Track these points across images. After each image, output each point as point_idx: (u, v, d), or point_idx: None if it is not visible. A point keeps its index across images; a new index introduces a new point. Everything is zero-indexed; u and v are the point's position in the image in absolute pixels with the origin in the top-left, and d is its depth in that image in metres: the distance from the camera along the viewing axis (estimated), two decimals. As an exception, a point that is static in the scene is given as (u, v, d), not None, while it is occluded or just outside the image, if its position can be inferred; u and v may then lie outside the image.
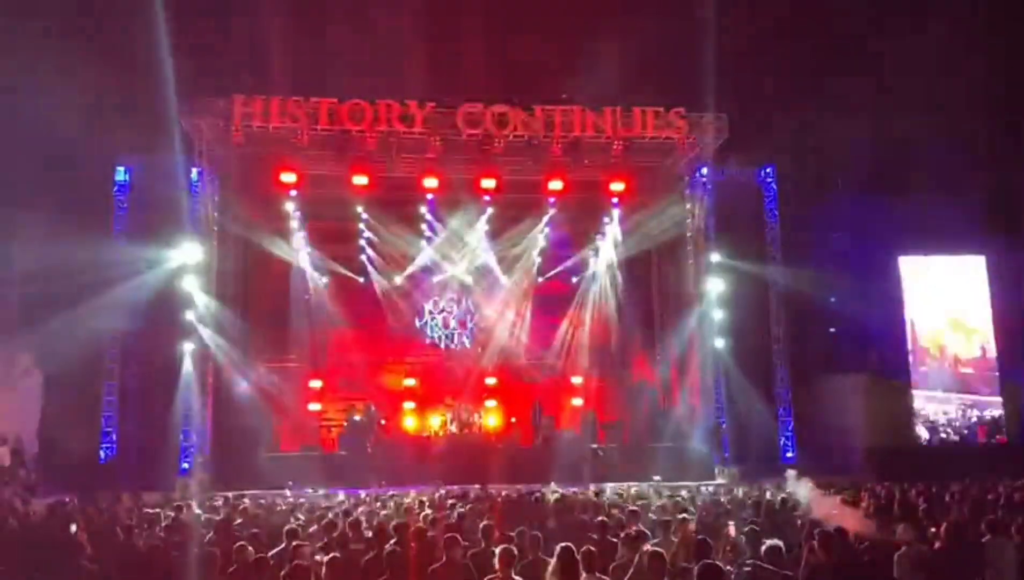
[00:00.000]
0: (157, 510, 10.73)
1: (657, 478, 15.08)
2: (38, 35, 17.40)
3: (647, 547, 6.98)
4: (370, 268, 22.24)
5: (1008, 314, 20.74)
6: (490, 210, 20.95)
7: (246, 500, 12.38)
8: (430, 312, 23.31)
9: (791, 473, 15.45)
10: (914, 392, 20.37)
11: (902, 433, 20.01)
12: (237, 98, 17.84)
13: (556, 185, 19.71)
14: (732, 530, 7.94)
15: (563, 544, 5.98)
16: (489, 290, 22.92)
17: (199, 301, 18.25)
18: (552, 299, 23.31)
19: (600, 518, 8.63)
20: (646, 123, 18.73)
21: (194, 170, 18.65)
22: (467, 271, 22.75)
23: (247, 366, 20.57)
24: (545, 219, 21.57)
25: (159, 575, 6.98)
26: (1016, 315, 20.79)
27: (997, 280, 20.88)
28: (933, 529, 7.59)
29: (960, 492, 10.74)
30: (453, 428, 20.62)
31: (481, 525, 8.12)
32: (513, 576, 6.12)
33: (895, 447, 19.21)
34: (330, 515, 9.42)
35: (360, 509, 10.75)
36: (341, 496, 12.99)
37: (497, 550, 6.23)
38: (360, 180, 18.93)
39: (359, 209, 20.62)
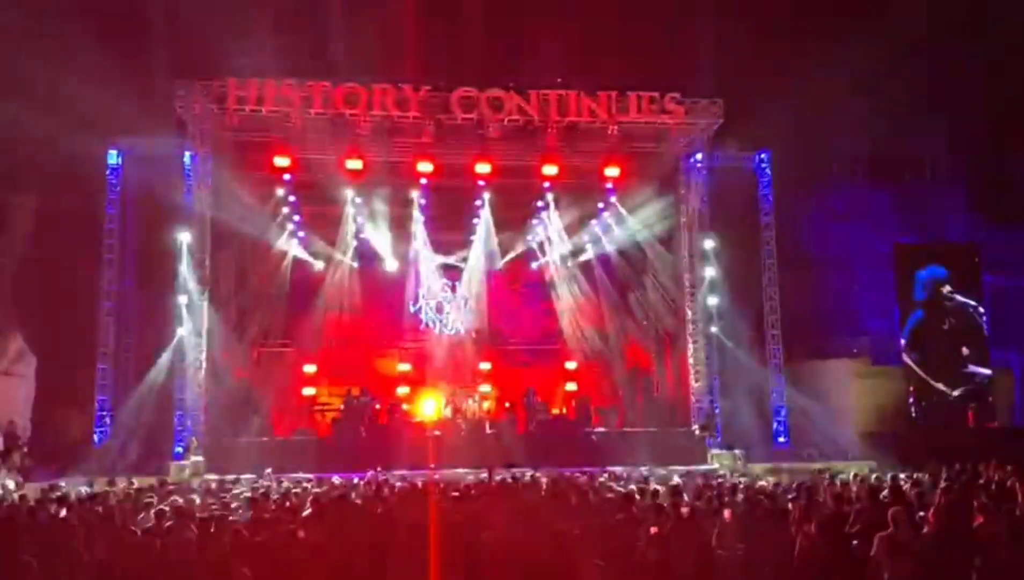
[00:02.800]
0: (151, 494, 10.73)
1: (646, 468, 15.03)
2: (30, 17, 17.25)
3: (653, 530, 7.02)
4: (364, 252, 22.21)
5: (1001, 300, 20.81)
6: (485, 195, 20.94)
7: (240, 484, 12.40)
8: (424, 297, 23.28)
9: None
10: (907, 377, 20.45)
11: (895, 418, 20.11)
12: (231, 81, 17.74)
13: (551, 170, 19.65)
14: (727, 514, 7.96)
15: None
16: (484, 275, 22.89)
17: (192, 285, 18.21)
18: (546, 284, 23.32)
19: (594, 502, 8.68)
20: (641, 108, 18.66)
21: (187, 153, 18.56)
22: (461, 256, 22.74)
23: (241, 350, 20.57)
24: (540, 204, 21.58)
25: (153, 559, 6.99)
26: (1008, 301, 20.87)
27: (990, 266, 20.93)
28: (922, 513, 7.64)
29: (950, 477, 10.79)
30: (447, 413, 20.64)
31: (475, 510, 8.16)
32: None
33: (887, 432, 19.34)
34: (323, 499, 9.44)
35: (353, 493, 10.77)
36: (335, 480, 13.00)
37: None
38: (354, 164, 18.85)
39: (353, 193, 20.57)
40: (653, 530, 7.01)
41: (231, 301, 20.18)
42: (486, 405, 20.88)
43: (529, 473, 12.75)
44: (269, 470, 14.73)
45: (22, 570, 6.64)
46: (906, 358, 20.46)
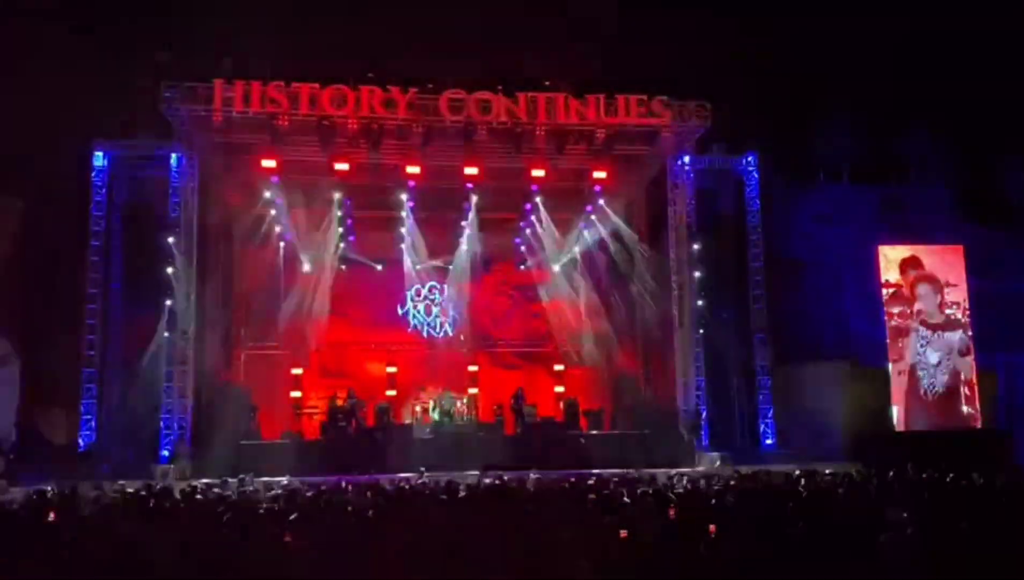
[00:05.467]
0: (137, 497, 10.67)
1: (633, 470, 15.00)
2: (15, 17, 17.16)
3: (623, 534, 7.04)
4: (352, 254, 22.17)
5: (985, 302, 20.95)
6: (473, 198, 20.96)
7: (227, 487, 12.34)
8: (412, 299, 23.27)
9: None
10: (894, 379, 20.55)
11: (879, 420, 20.20)
12: (217, 83, 17.67)
13: (539, 173, 19.70)
14: (712, 528, 7.85)
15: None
16: (472, 277, 22.91)
17: (180, 287, 18.13)
18: (534, 287, 23.37)
19: (581, 505, 8.69)
20: (629, 111, 18.73)
21: (173, 156, 18.48)
22: (449, 258, 22.74)
23: (229, 353, 20.49)
24: (528, 206, 21.61)
25: (139, 562, 6.95)
26: (993, 303, 21.01)
27: (975, 269, 21.07)
28: (905, 515, 7.70)
29: (936, 478, 10.87)
30: (435, 415, 20.62)
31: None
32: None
33: (872, 434, 19.43)
34: (311, 503, 9.41)
35: (341, 496, 10.74)
36: (323, 483, 12.96)
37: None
38: (341, 166, 18.86)
39: (340, 195, 20.54)
40: (623, 534, 7.03)
41: (218, 303, 20.09)
42: (474, 407, 20.87)
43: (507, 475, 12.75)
44: (252, 475, 14.65)
45: (5, 573, 6.60)
46: (892, 360, 20.57)
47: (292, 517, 8.46)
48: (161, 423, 17.90)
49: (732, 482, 12.03)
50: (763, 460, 18.04)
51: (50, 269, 18.92)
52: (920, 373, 20.41)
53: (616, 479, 12.77)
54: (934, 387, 20.36)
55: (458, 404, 20.84)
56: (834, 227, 21.06)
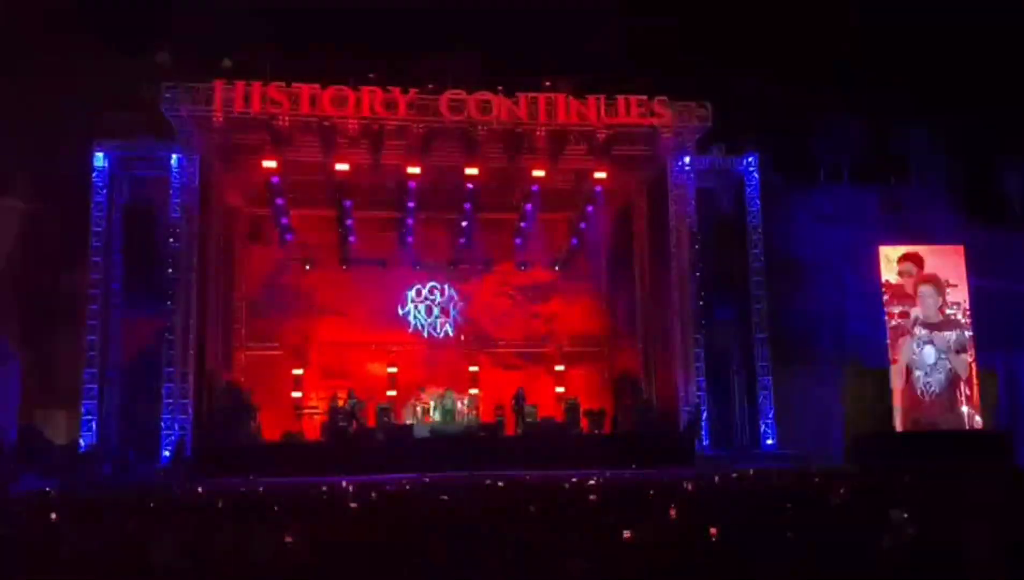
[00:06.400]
0: (139, 497, 10.69)
1: (634, 470, 14.95)
2: (16, 17, 17.17)
3: (626, 534, 7.04)
4: (352, 255, 22.18)
5: (985, 302, 20.95)
6: (474, 197, 20.98)
7: (228, 487, 12.37)
8: (412, 300, 23.27)
9: None
10: (893, 379, 20.57)
11: (880, 421, 20.22)
12: (218, 83, 17.70)
13: (539, 173, 19.72)
14: (713, 532, 7.87)
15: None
16: (472, 278, 22.91)
17: (180, 288, 18.13)
18: (535, 287, 23.38)
19: (580, 505, 8.69)
20: (630, 111, 18.77)
21: (173, 156, 18.49)
22: (449, 258, 22.74)
23: (230, 353, 20.50)
24: (528, 206, 21.62)
25: (139, 563, 6.96)
26: (993, 303, 21.01)
27: (975, 269, 21.08)
28: (906, 515, 7.70)
29: (935, 478, 10.89)
30: (436, 416, 20.62)
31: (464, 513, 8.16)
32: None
33: (873, 434, 19.44)
34: (312, 503, 9.42)
35: (342, 496, 10.75)
36: (324, 484, 12.97)
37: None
38: (342, 166, 18.88)
39: (341, 195, 20.56)
40: (626, 534, 7.04)
41: (219, 304, 20.10)
42: (475, 408, 20.87)
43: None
44: (253, 475, 14.68)
45: (6, 574, 6.61)
46: (892, 361, 20.57)
47: (293, 517, 8.47)
48: (163, 423, 17.92)
49: (732, 482, 12.07)
50: (763, 460, 18.05)
51: (50, 269, 18.91)
52: (916, 373, 20.42)
53: (616, 479, 12.81)
54: (931, 387, 20.36)
55: (459, 404, 20.86)
56: (834, 227, 21.06)
